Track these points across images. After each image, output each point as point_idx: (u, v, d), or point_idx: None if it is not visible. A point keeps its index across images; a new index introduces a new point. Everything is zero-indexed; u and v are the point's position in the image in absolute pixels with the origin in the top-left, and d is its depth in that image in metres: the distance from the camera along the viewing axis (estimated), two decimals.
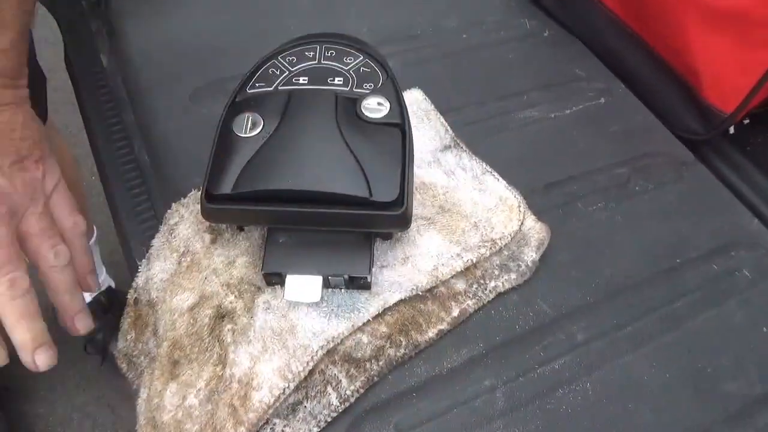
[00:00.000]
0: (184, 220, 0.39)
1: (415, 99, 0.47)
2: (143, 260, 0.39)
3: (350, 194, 0.32)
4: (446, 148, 0.44)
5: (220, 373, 0.33)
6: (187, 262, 0.37)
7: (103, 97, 0.50)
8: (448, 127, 0.45)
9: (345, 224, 0.33)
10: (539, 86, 0.53)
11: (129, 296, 0.40)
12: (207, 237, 0.38)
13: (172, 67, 0.51)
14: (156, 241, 0.39)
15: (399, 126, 0.36)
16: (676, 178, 0.48)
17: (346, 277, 0.34)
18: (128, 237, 0.41)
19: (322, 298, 0.35)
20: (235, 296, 0.35)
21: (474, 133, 0.48)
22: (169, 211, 0.39)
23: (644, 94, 0.55)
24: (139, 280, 0.39)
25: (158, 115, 0.48)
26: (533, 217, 0.41)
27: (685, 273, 0.42)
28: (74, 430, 1.01)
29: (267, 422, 0.32)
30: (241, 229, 0.38)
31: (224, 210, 0.33)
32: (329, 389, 0.33)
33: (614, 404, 0.35)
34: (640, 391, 0.36)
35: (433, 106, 0.47)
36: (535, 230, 0.40)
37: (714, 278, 0.42)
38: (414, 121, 0.45)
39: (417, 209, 0.40)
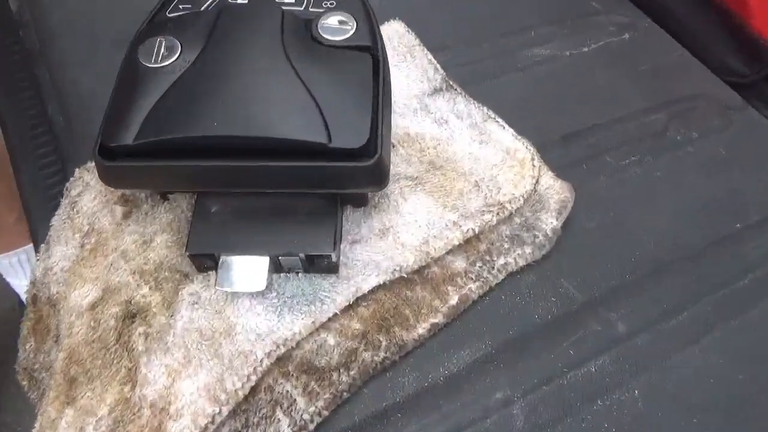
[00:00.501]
0: (90, 189, 0.29)
1: (395, 32, 0.37)
2: (42, 245, 0.30)
3: (300, 139, 0.22)
4: (436, 91, 0.34)
5: (128, 395, 0.24)
6: (91, 244, 0.28)
7: (12, 48, 0.41)
8: (438, 66, 0.36)
9: (297, 184, 0.24)
10: (548, 21, 0.43)
11: (27, 293, 0.30)
12: (118, 210, 0.28)
13: (92, 4, 0.41)
14: (56, 220, 0.29)
15: (369, 50, 0.26)
16: (725, 125, 0.38)
17: (302, 256, 0.24)
18: (35, 219, 0.32)
19: (269, 286, 0.25)
20: (150, 288, 0.26)
21: (469, 76, 0.38)
22: (71, 179, 0.30)
23: (674, 28, 0.45)
24: (38, 271, 0.29)
25: (75, 67, 0.38)
26: (551, 173, 0.32)
27: (748, 241, 0.33)
28: None
29: None
30: (164, 197, 0.28)
31: (127, 169, 0.23)
32: (279, 413, 0.23)
33: (673, 417, 0.26)
34: (705, 397, 0.27)
35: (418, 40, 0.37)
36: (555, 190, 0.31)
37: None
38: (394, 59, 0.36)
39: (400, 167, 0.30)
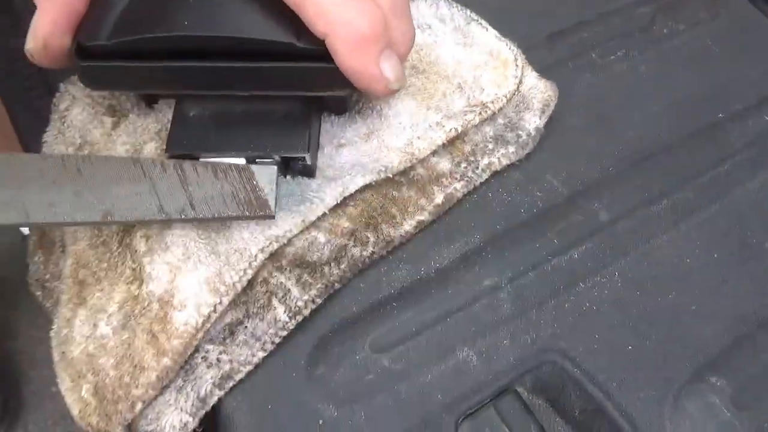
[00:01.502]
0: (77, 102, 0.30)
1: None
2: None
3: (268, 39, 0.23)
4: None
5: (135, 293, 0.26)
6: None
7: None
8: None
9: (268, 85, 0.24)
10: None
11: None
12: (107, 121, 0.29)
13: None
14: (48, 135, 0.30)
15: None
16: (712, 16, 0.38)
17: (276, 158, 0.25)
18: (27, 140, 0.33)
19: None
20: None
21: None
22: (57, 93, 0.30)
23: None
24: None
25: None
26: (535, 73, 0.32)
27: (730, 129, 0.33)
28: None
29: (197, 350, 0.25)
30: (149, 104, 0.29)
31: (104, 69, 0.24)
32: (275, 302, 0.25)
33: (651, 295, 0.28)
34: (681, 277, 0.28)
35: None
36: (539, 90, 0.31)
37: (766, 133, 0.33)
38: None
39: None
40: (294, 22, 0.23)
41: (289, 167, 0.26)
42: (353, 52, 0.22)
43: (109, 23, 0.23)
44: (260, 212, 0.25)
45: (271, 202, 0.25)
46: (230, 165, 0.25)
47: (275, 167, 0.25)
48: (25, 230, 0.89)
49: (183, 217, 0.24)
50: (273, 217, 0.25)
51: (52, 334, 0.28)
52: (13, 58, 0.36)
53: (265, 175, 0.25)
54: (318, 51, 0.23)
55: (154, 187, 0.24)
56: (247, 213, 0.25)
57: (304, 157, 0.25)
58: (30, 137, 0.33)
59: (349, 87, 0.24)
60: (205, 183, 0.25)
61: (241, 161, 0.25)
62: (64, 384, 0.26)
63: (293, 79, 0.24)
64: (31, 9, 0.37)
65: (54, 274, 0.31)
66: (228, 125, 0.26)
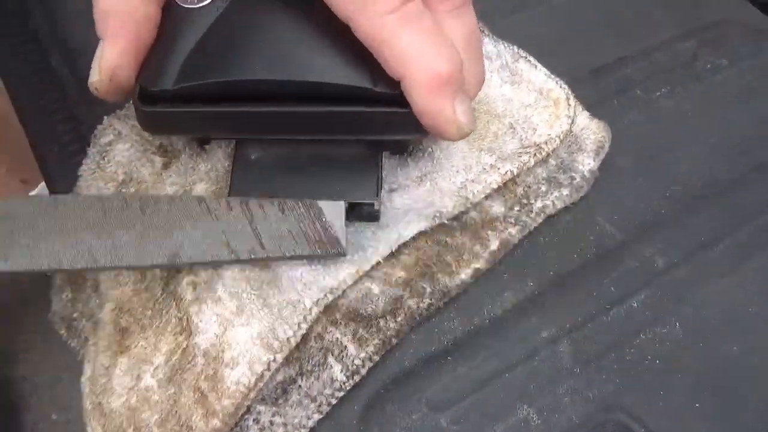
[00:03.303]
0: (123, 138, 0.28)
1: None
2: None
3: (344, 84, 0.22)
4: None
5: (183, 344, 0.24)
6: (130, 194, 0.27)
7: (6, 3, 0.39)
8: None
9: (339, 129, 0.23)
10: None
11: None
12: (158, 160, 0.28)
13: None
14: (84, 169, 0.29)
15: None
16: (755, 51, 0.37)
17: (345, 204, 0.24)
18: (53, 176, 0.31)
19: None
20: None
21: (488, 13, 0.37)
22: (99, 126, 0.29)
23: None
24: None
25: (77, 13, 0.36)
26: (586, 113, 0.31)
27: None
28: (63, 390, 0.94)
29: (249, 410, 0.23)
30: (202, 146, 0.28)
31: (167, 114, 0.23)
32: (330, 360, 0.24)
33: (714, 347, 0.27)
34: (744, 327, 0.27)
35: None
36: (591, 130, 0.30)
37: None
38: None
39: None
40: (368, 64, 0.22)
41: (355, 212, 0.25)
42: (430, 95, 0.21)
43: (175, 66, 0.22)
44: (332, 250, 0.24)
45: (342, 240, 0.24)
46: (296, 201, 0.24)
47: (343, 203, 0.24)
48: None
49: (252, 257, 0.23)
50: (345, 255, 0.24)
51: (84, 380, 0.26)
52: (37, 90, 0.35)
53: (334, 211, 0.24)
54: (394, 96, 0.22)
55: (221, 227, 0.24)
56: (319, 251, 0.24)
57: (372, 203, 0.24)
58: (54, 168, 0.32)
59: (420, 131, 0.23)
60: (273, 221, 0.24)
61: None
62: None
63: (365, 123, 0.23)
64: (60, 39, 0.36)
65: (84, 313, 0.30)
66: (292, 169, 0.25)
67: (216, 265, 0.24)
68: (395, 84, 0.21)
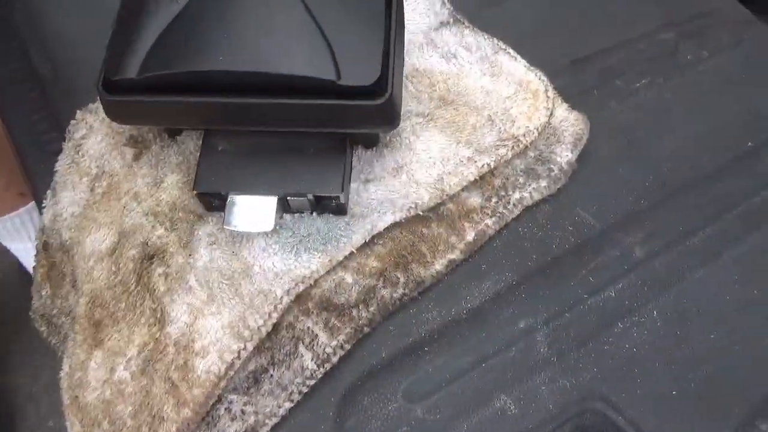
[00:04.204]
0: (95, 131, 0.29)
1: None
2: (48, 192, 0.30)
3: (308, 76, 0.22)
4: (443, 24, 0.33)
5: (156, 335, 0.24)
6: (103, 187, 0.27)
7: None
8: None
9: (304, 122, 0.23)
10: None
11: (37, 240, 0.31)
12: (128, 152, 0.28)
13: None
14: (60, 164, 0.29)
15: None
16: (735, 42, 0.37)
17: (310, 197, 0.24)
18: (32, 172, 0.31)
19: (285, 224, 0.25)
20: (166, 229, 0.26)
21: (470, 5, 0.36)
22: (72, 122, 0.29)
23: None
24: (46, 218, 0.29)
25: (57, 9, 0.36)
26: (565, 105, 0.31)
27: (762, 158, 0.32)
28: (60, 398, 0.94)
29: (220, 400, 0.23)
30: (172, 137, 0.28)
31: (131, 104, 0.23)
32: (301, 348, 0.24)
33: (691, 336, 0.27)
34: (722, 316, 0.27)
35: None
36: (569, 122, 0.30)
37: None
38: None
39: (410, 104, 0.29)
40: (333, 57, 0.22)
41: (320, 205, 0.25)
42: None
43: (139, 56, 0.22)
44: None
45: None
46: None
47: None
48: (28, 264, 0.87)
49: None
50: None
51: (62, 375, 0.26)
52: (19, 88, 0.35)
53: None
54: (358, 89, 0.22)
55: None
56: None
57: (338, 197, 0.24)
58: (36, 167, 0.32)
59: (385, 124, 0.23)
60: None
61: (273, 200, 0.24)
62: (74, 429, 0.24)
63: (333, 116, 0.23)
64: (39, 36, 0.36)
65: (62, 309, 0.30)
66: (258, 161, 0.25)
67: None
68: (359, 76, 0.21)
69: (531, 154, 0.29)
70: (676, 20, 0.38)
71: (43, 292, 0.31)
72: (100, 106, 0.29)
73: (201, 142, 0.25)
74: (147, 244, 0.25)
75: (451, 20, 0.33)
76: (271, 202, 0.24)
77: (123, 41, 0.23)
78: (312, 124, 0.24)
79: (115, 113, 0.24)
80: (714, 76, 0.36)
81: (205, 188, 0.24)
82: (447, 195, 0.27)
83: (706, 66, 0.36)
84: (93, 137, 0.28)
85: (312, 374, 0.24)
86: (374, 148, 0.28)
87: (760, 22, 0.39)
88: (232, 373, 0.23)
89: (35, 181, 0.32)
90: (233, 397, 0.23)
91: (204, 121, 0.24)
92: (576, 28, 0.37)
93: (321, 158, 0.25)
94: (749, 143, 0.33)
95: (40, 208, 0.30)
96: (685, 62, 0.36)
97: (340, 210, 0.25)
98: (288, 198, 0.24)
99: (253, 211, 0.24)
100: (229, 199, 0.24)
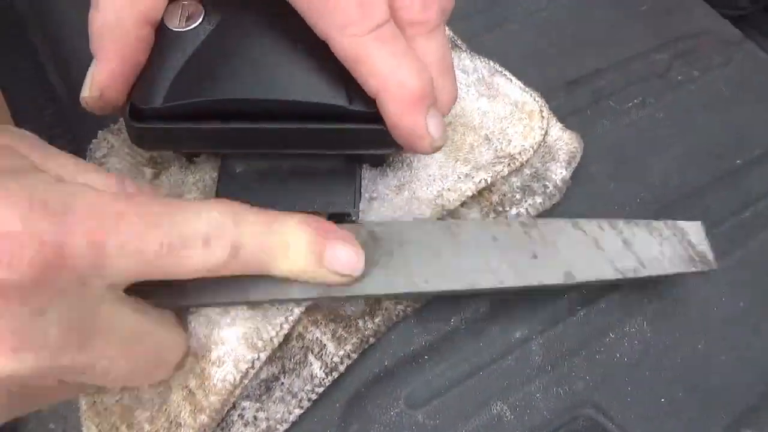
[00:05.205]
0: (116, 151, 0.30)
1: None
2: None
3: (321, 102, 0.23)
4: None
5: None
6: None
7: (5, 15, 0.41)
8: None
9: (317, 144, 0.25)
10: None
11: None
12: (148, 172, 0.29)
13: None
14: None
15: None
16: (724, 62, 0.39)
17: (324, 214, 0.26)
18: None
19: None
20: None
21: (468, 30, 0.38)
22: (94, 141, 0.31)
23: None
24: None
25: (73, 28, 0.38)
26: (560, 125, 0.32)
27: (749, 175, 0.34)
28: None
29: (234, 406, 0.25)
30: (190, 159, 0.29)
31: (156, 130, 0.24)
32: (311, 357, 0.25)
33: (680, 345, 0.28)
34: (709, 326, 0.29)
35: None
36: (564, 141, 0.32)
37: None
38: None
39: None
40: (344, 83, 0.23)
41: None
42: (404, 111, 0.23)
43: (164, 85, 0.23)
44: (704, 267, 0.27)
45: (709, 255, 0.27)
46: (662, 222, 0.27)
47: (700, 222, 0.27)
48: None
49: (635, 275, 0.26)
50: (715, 268, 0.27)
51: None
52: (36, 106, 0.37)
53: (695, 230, 0.27)
54: (368, 114, 0.23)
55: (602, 249, 0.26)
56: (693, 268, 0.26)
57: (350, 213, 0.26)
58: None
59: (394, 146, 0.24)
60: (644, 241, 0.26)
61: None
62: None
63: (342, 139, 0.24)
64: (56, 56, 0.37)
65: None
66: (274, 182, 0.26)
67: (601, 283, 0.27)
68: (370, 102, 0.23)
69: (527, 171, 0.31)
70: (667, 41, 0.39)
71: None
72: (122, 127, 0.31)
73: (219, 164, 0.27)
74: None
75: (450, 45, 0.35)
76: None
77: (149, 72, 0.24)
78: (325, 146, 0.25)
79: (140, 139, 0.25)
80: (704, 95, 0.37)
81: None
82: (447, 210, 0.28)
83: (696, 85, 0.38)
84: (114, 157, 0.30)
85: (321, 382, 0.25)
86: (377, 168, 0.29)
87: (749, 42, 0.40)
88: (246, 381, 0.24)
89: None
90: (246, 404, 0.25)
91: (224, 145, 0.26)
92: (570, 50, 0.38)
93: (333, 178, 0.26)
94: (737, 161, 0.34)
95: None
96: (675, 82, 0.38)
97: None
98: None
99: None
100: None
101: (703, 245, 0.27)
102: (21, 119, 0.37)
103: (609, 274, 0.26)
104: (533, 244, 0.26)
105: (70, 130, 0.36)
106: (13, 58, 0.39)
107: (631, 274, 0.26)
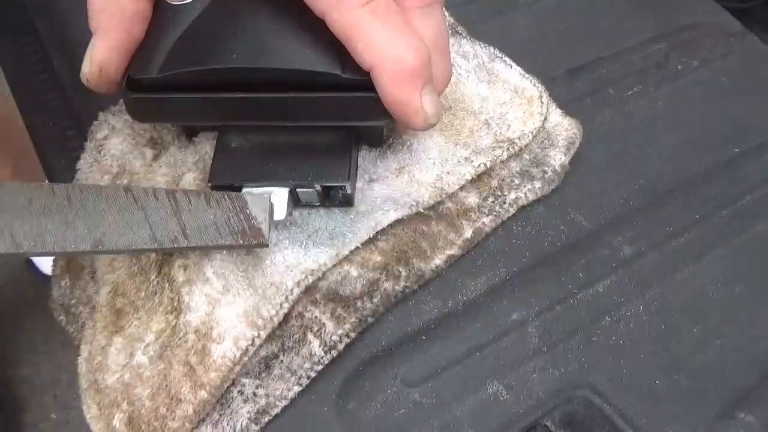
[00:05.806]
0: (117, 132, 0.30)
1: None
2: None
3: (314, 70, 0.23)
4: None
5: (173, 323, 0.26)
6: (123, 185, 0.29)
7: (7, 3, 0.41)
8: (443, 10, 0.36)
9: (311, 115, 0.25)
10: None
11: None
12: (148, 152, 0.30)
13: None
14: (82, 163, 0.31)
15: None
16: (725, 53, 0.39)
17: (318, 188, 0.26)
18: (53, 170, 0.33)
19: (294, 221, 0.27)
20: None
21: (470, 15, 0.38)
22: (95, 122, 0.31)
23: None
24: None
25: (78, 14, 0.38)
26: (559, 111, 0.33)
27: (747, 164, 0.34)
28: (63, 390, 0.95)
29: (234, 383, 0.25)
30: (190, 137, 0.30)
31: (152, 101, 0.25)
32: (310, 336, 0.26)
33: (676, 329, 0.28)
34: (705, 312, 0.29)
35: None
36: (563, 127, 0.32)
37: None
38: None
39: None
40: (338, 53, 0.23)
41: (329, 197, 0.27)
42: (398, 86, 0.23)
43: (160, 56, 0.24)
44: (254, 241, 0.25)
45: (265, 231, 0.25)
46: (223, 194, 0.25)
47: (267, 196, 0.25)
48: (38, 261, 0.89)
49: (175, 246, 0.24)
50: (267, 246, 0.25)
51: (80, 360, 0.28)
52: (41, 92, 0.37)
53: (259, 204, 0.25)
54: (361, 82, 0.23)
55: (147, 216, 0.24)
56: (241, 242, 0.25)
57: (344, 186, 0.26)
58: (58, 165, 0.34)
59: (389, 117, 0.24)
60: (198, 211, 0.25)
61: (284, 191, 0.25)
62: (91, 411, 0.26)
63: (336, 108, 0.25)
64: (61, 42, 0.38)
65: (80, 299, 0.31)
66: (270, 156, 0.26)
67: (138, 253, 0.25)
68: (363, 71, 0.23)
69: (526, 156, 0.31)
70: (668, 31, 0.39)
71: (63, 283, 0.33)
72: (122, 108, 0.31)
73: (216, 141, 0.27)
74: None
75: (450, 31, 0.35)
76: (281, 192, 0.25)
77: (146, 43, 0.25)
78: (320, 118, 0.25)
79: (137, 111, 0.25)
80: (703, 85, 0.37)
81: (219, 181, 0.26)
82: (446, 194, 0.29)
83: (695, 76, 0.38)
84: (115, 138, 0.30)
85: (319, 360, 0.25)
86: (378, 150, 0.29)
87: (750, 33, 0.40)
88: (246, 359, 0.25)
89: (56, 179, 0.34)
90: (246, 380, 0.25)
91: (219, 117, 0.26)
92: (571, 39, 0.38)
93: (328, 152, 0.27)
94: (735, 150, 0.35)
95: None
96: (675, 72, 0.38)
97: (348, 201, 0.27)
98: (297, 190, 0.26)
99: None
100: (243, 191, 0.26)
101: (262, 220, 0.25)
102: (25, 105, 0.37)
103: (145, 243, 0.24)
104: (71, 210, 0.24)
105: (73, 113, 0.36)
106: (18, 43, 0.39)
107: (169, 245, 0.24)
